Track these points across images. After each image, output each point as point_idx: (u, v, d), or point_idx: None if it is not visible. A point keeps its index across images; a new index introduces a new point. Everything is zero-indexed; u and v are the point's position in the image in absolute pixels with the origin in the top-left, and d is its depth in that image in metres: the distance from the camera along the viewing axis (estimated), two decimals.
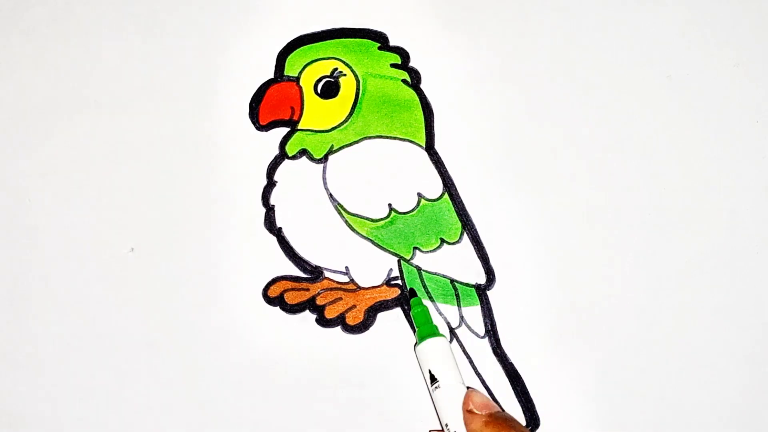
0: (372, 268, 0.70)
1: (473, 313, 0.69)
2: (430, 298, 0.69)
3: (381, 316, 0.69)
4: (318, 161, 0.72)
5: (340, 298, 0.69)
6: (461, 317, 0.68)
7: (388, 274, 0.70)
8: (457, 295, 0.69)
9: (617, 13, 0.76)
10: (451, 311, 0.69)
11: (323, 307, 0.69)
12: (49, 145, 0.74)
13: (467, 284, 0.69)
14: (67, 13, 0.78)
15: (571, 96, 0.74)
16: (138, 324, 0.69)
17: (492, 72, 0.75)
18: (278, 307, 0.69)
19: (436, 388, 0.62)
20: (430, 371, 0.63)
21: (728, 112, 0.73)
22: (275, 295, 0.69)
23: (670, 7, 0.76)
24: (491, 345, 0.68)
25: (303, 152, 0.72)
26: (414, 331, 0.67)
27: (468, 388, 0.62)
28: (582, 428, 0.66)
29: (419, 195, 0.71)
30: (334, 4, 0.77)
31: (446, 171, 0.72)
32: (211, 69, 0.75)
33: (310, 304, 0.69)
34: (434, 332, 0.64)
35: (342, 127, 0.73)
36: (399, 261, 0.70)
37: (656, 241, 0.70)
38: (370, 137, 0.73)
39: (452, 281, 0.69)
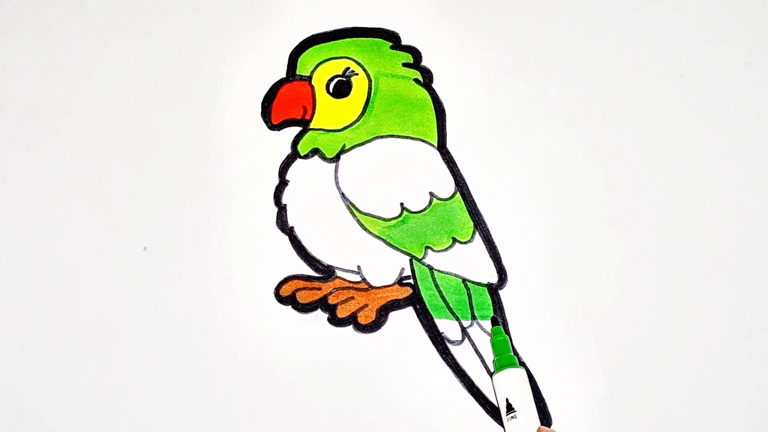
0: (384, 267, 0.70)
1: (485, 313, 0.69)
2: (442, 297, 0.69)
3: (393, 315, 0.69)
4: (330, 160, 0.72)
5: (352, 297, 0.69)
6: (473, 316, 0.68)
7: (400, 274, 0.70)
8: (469, 295, 0.69)
9: (630, 12, 0.76)
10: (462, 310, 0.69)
11: (335, 306, 0.69)
12: (62, 145, 0.74)
13: (479, 283, 0.69)
14: (81, 12, 0.78)
15: (583, 95, 0.74)
16: (150, 322, 0.69)
17: (504, 71, 0.74)
18: (290, 306, 0.69)
19: (512, 417, 0.63)
20: (507, 400, 0.63)
21: (741, 111, 0.73)
22: (287, 294, 0.69)
23: (683, 6, 0.76)
24: None
25: (315, 151, 0.72)
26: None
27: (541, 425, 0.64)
28: (594, 427, 0.66)
29: (431, 194, 0.71)
30: (347, 4, 0.77)
31: (458, 170, 0.72)
32: (223, 69, 0.76)
33: (322, 303, 0.69)
34: (514, 363, 0.65)
35: (354, 126, 0.73)
36: (411, 260, 0.70)
37: (668, 241, 0.69)
38: (382, 136, 0.73)
39: (464, 280, 0.69)
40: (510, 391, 0.64)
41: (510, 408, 0.63)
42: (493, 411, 0.65)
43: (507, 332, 0.68)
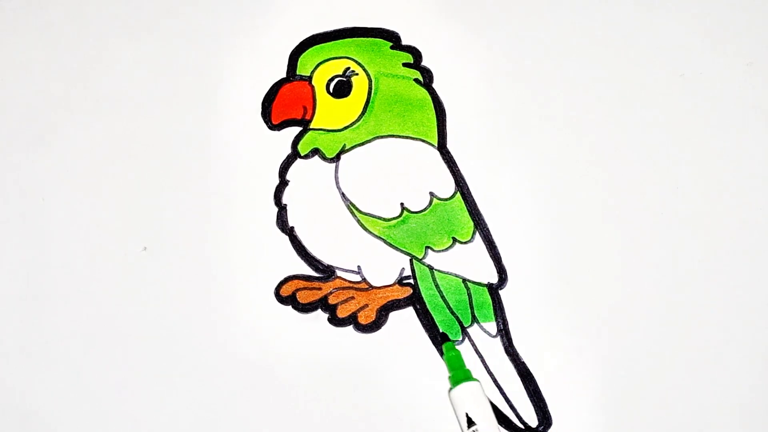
0: (384, 267, 0.70)
1: (485, 313, 0.68)
2: (442, 297, 0.69)
3: (393, 316, 0.69)
4: (330, 160, 0.72)
5: (352, 297, 0.69)
6: (473, 316, 0.68)
7: (401, 274, 0.70)
8: (469, 295, 0.69)
9: (631, 12, 0.76)
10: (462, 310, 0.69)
11: (335, 306, 0.69)
12: (61, 145, 0.74)
13: (479, 283, 0.69)
14: (81, 13, 0.78)
15: (583, 95, 0.74)
16: (151, 323, 0.69)
17: (504, 71, 0.75)
18: (290, 307, 0.69)
19: (474, 431, 0.63)
20: (467, 414, 0.64)
21: (742, 111, 0.73)
22: (287, 295, 0.69)
23: (683, 6, 0.76)
24: (503, 344, 0.68)
25: (315, 151, 0.72)
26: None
27: None
28: (594, 428, 0.66)
29: (431, 194, 0.71)
30: (347, 4, 0.77)
31: (458, 170, 0.72)
32: (223, 69, 0.76)
33: (322, 303, 0.69)
34: (468, 377, 0.65)
35: (354, 126, 0.73)
36: (411, 260, 0.70)
37: (668, 241, 0.69)
38: (382, 136, 0.73)
39: (464, 280, 0.69)
40: (468, 405, 0.64)
41: (470, 422, 0.63)
42: (493, 410, 0.65)
43: (507, 332, 0.68)
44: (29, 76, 0.77)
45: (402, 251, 0.70)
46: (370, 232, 0.70)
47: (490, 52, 0.75)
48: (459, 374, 0.65)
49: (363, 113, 0.73)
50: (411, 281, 0.69)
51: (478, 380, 0.65)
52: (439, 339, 0.68)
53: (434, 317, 0.68)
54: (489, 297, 0.69)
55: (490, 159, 0.72)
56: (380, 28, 0.76)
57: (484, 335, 0.68)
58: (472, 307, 0.69)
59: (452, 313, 0.68)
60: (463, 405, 0.64)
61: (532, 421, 0.66)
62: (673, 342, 0.67)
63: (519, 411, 0.66)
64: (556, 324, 0.68)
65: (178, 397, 0.68)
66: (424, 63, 0.75)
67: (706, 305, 0.68)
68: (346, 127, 0.73)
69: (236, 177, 0.73)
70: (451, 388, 0.65)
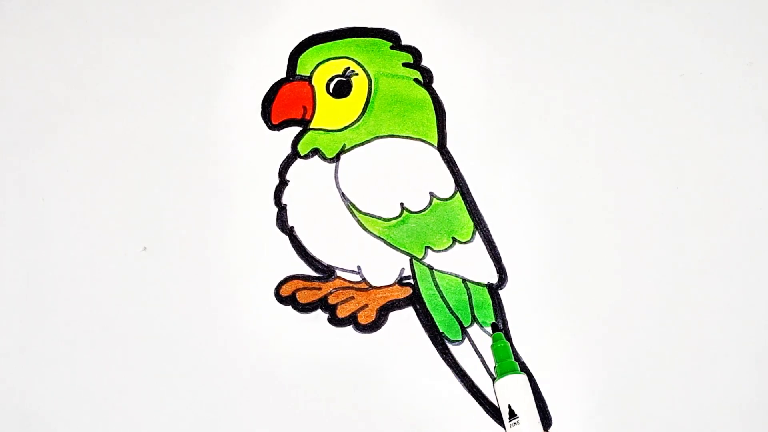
0: (384, 267, 0.70)
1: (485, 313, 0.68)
2: (442, 297, 0.69)
3: (393, 316, 0.69)
4: (330, 160, 0.72)
5: (352, 297, 0.69)
6: (473, 316, 0.68)
7: (400, 274, 0.70)
8: (469, 295, 0.69)
9: (630, 12, 0.76)
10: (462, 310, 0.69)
11: (335, 306, 0.69)
12: (62, 145, 0.74)
13: (479, 283, 0.69)
14: (81, 12, 0.78)
15: (583, 95, 0.74)
16: (150, 323, 0.69)
17: (504, 71, 0.75)
18: (290, 307, 0.69)
19: (515, 424, 0.63)
20: (510, 406, 0.63)
21: (741, 111, 0.73)
22: (287, 294, 0.69)
23: (683, 6, 0.76)
24: None
25: (315, 151, 0.72)
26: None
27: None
28: (594, 427, 0.66)
29: (431, 194, 0.71)
30: (347, 4, 0.77)
31: (458, 170, 0.72)
32: (223, 69, 0.76)
33: (322, 303, 0.69)
34: (515, 369, 0.65)
35: (354, 126, 0.73)
36: (411, 260, 0.70)
37: (668, 241, 0.69)
38: (382, 136, 0.73)
39: (464, 280, 0.69)
40: (512, 397, 0.64)
41: (512, 414, 0.63)
42: (493, 411, 0.65)
43: (507, 333, 0.68)
44: (29, 76, 0.77)
45: (402, 251, 0.70)
46: (370, 232, 0.70)
47: (490, 52, 0.75)
48: (505, 366, 0.65)
49: (363, 113, 0.73)
50: (411, 281, 0.69)
51: (524, 373, 0.65)
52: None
53: (434, 317, 0.68)
54: (489, 297, 0.69)
55: (490, 159, 0.72)
56: (380, 28, 0.76)
57: (484, 335, 0.68)
58: (472, 307, 0.69)
59: (452, 313, 0.68)
60: (506, 397, 0.64)
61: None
62: (673, 342, 0.67)
63: None
64: (556, 324, 0.68)
65: (178, 397, 0.68)
66: (424, 63, 0.75)
67: (706, 305, 0.68)
68: (346, 127, 0.73)
69: (236, 177, 0.73)
70: (495, 379, 0.65)
